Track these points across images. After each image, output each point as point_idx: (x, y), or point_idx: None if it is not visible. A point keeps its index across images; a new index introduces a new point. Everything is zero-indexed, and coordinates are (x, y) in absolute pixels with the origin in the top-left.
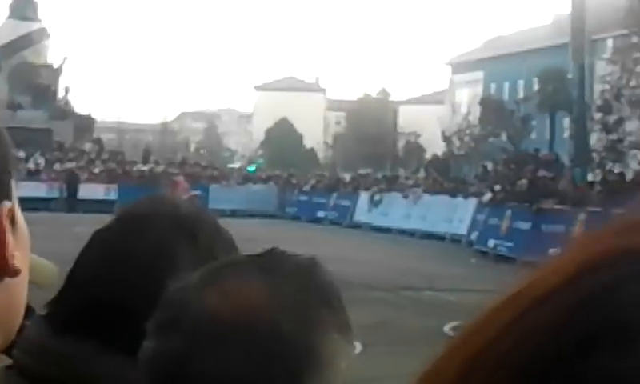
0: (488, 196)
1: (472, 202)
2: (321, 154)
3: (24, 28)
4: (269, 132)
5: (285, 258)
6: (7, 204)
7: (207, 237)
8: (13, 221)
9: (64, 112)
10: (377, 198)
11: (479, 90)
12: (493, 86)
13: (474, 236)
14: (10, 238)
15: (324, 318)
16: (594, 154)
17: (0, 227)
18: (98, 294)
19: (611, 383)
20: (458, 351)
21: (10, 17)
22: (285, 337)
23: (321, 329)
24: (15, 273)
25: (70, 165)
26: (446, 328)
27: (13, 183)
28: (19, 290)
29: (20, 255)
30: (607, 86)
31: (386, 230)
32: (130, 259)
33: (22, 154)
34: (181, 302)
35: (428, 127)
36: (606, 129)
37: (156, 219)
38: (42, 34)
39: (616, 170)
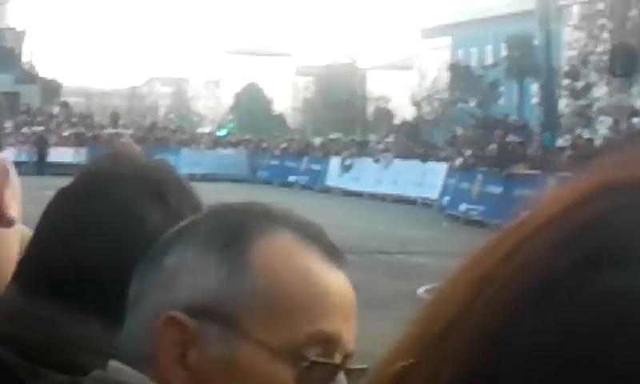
0: (459, 161)
1: (443, 166)
2: (290, 120)
3: None
4: (238, 97)
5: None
6: (1, 156)
7: (175, 195)
8: (4, 170)
9: (30, 75)
10: (348, 162)
11: (447, 55)
12: (461, 51)
13: (445, 200)
14: (3, 187)
15: None
16: (563, 120)
17: None
18: (65, 256)
19: (620, 296)
20: (464, 275)
21: None
22: None
23: None
24: (10, 223)
25: (39, 129)
26: (419, 291)
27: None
28: (12, 241)
29: (14, 205)
30: (574, 52)
31: (358, 195)
32: (96, 222)
33: None
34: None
35: (397, 93)
36: (574, 95)
37: (121, 179)
38: None
39: (585, 136)
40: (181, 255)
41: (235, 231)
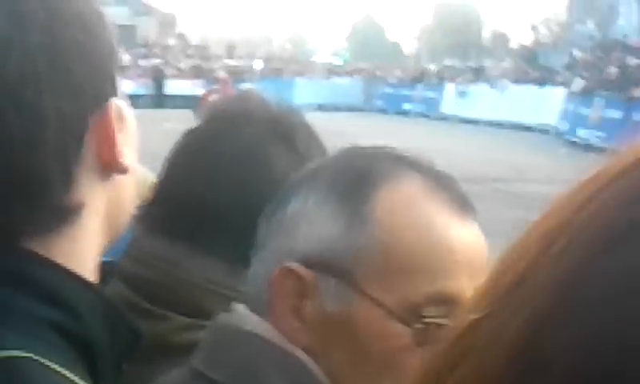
0: (577, 85)
1: (560, 91)
2: (406, 47)
3: None
4: (354, 26)
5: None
6: (115, 101)
7: (303, 141)
8: (120, 116)
9: (146, 8)
10: (463, 89)
11: None
12: None
13: (563, 126)
14: (118, 135)
15: None
16: None
17: (108, 125)
18: (191, 197)
19: None
20: (538, 227)
21: None
22: None
23: None
24: (124, 170)
25: (156, 61)
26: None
27: (118, 79)
28: (128, 187)
29: (129, 152)
30: None
31: (474, 122)
32: (224, 164)
33: None
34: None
35: (513, 16)
36: None
37: (249, 121)
38: None
39: None
40: (302, 203)
41: (357, 178)
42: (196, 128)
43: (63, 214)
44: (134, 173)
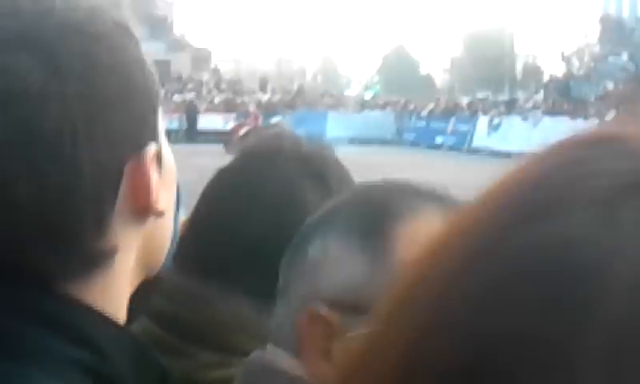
0: (610, 117)
1: (594, 123)
2: (438, 79)
3: None
4: (385, 58)
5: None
6: (153, 146)
7: (335, 178)
8: (159, 160)
9: (181, 44)
10: (496, 121)
11: (598, 7)
12: (612, 3)
13: None
14: (154, 180)
15: None
16: None
17: (144, 172)
18: (223, 235)
19: (534, 249)
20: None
21: None
22: None
23: None
24: (160, 214)
25: (189, 96)
26: None
27: (160, 118)
28: (164, 231)
29: (165, 196)
30: None
31: (506, 155)
32: (257, 201)
33: None
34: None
35: (546, 48)
36: None
37: (283, 159)
38: None
39: None
40: (323, 243)
41: (375, 215)
42: (229, 166)
43: (97, 258)
44: (170, 214)
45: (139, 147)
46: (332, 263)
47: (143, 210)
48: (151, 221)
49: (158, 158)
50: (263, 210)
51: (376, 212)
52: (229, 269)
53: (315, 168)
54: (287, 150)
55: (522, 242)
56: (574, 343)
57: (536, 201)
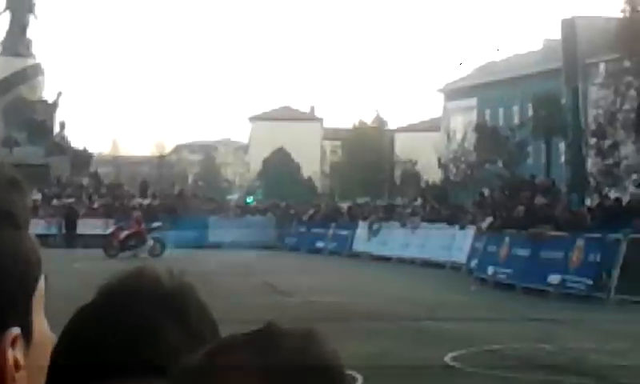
0: (486, 223)
1: (470, 230)
2: (318, 184)
3: (18, 64)
4: (266, 162)
5: (280, 335)
6: (13, 331)
7: (196, 318)
8: (28, 339)
9: (60, 147)
10: (375, 227)
11: (474, 116)
12: (487, 112)
13: (473, 263)
14: (12, 362)
15: None
16: (591, 179)
17: (1, 356)
18: (82, 370)
19: None
20: None
21: (2, 53)
22: None
23: None
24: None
25: (68, 200)
26: (447, 358)
27: (35, 298)
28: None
29: (25, 374)
30: (601, 111)
31: (386, 259)
32: (116, 337)
33: None
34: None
35: (424, 154)
36: (602, 153)
37: (143, 297)
38: (37, 69)
39: (612, 195)
40: None
41: None
42: (89, 304)
43: None
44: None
45: (0, 331)
46: None
47: None
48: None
49: (26, 335)
50: (120, 345)
51: None
52: None
53: (175, 306)
54: (146, 287)
55: None
56: None
57: None
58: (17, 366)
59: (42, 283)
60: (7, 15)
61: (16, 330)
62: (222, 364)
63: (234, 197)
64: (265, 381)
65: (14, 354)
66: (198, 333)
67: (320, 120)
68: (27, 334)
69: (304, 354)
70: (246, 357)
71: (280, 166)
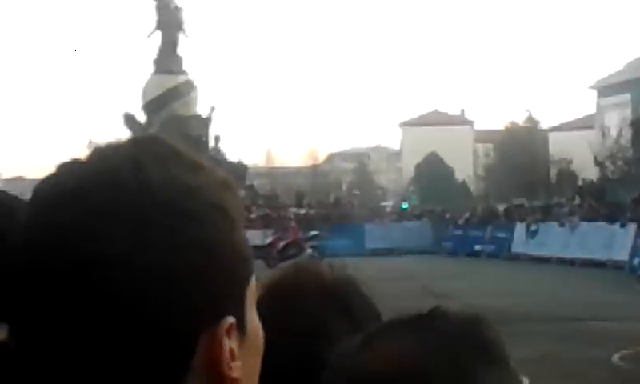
0: None
1: (631, 227)
2: (472, 187)
3: (171, 81)
4: (418, 167)
5: (442, 316)
6: (228, 319)
7: (360, 310)
8: (241, 328)
9: (216, 161)
10: (533, 228)
11: (628, 112)
12: None
13: (636, 261)
14: (227, 351)
15: (482, 377)
16: None
17: (219, 343)
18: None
19: None
20: None
21: (156, 72)
22: None
23: None
24: (234, 382)
25: None
26: (614, 357)
27: (249, 291)
28: None
29: (245, 362)
30: None
31: (545, 260)
32: (283, 339)
33: None
34: (338, 367)
35: (579, 152)
36: None
37: (305, 293)
38: (189, 85)
39: None
40: None
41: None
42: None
43: None
44: (250, 380)
45: (216, 318)
46: None
47: (217, 378)
48: None
49: (240, 327)
50: (288, 346)
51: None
52: None
53: (339, 300)
54: (310, 283)
55: None
56: None
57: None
58: (232, 355)
59: (254, 280)
60: (158, 35)
61: (231, 319)
62: (379, 344)
63: (388, 203)
64: (424, 360)
65: (230, 343)
66: (363, 323)
67: (471, 122)
68: (242, 326)
69: (465, 336)
70: (405, 336)
71: (433, 171)
